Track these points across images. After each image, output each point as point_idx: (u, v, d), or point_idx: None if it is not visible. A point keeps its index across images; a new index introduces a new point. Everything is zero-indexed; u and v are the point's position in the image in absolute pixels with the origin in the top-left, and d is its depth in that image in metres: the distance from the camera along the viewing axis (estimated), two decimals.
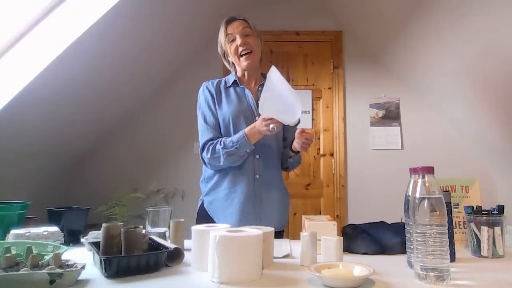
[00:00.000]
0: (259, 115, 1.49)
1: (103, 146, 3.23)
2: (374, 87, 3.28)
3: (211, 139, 1.49)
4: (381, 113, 3.25)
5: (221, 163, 1.46)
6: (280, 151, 1.61)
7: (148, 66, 2.90)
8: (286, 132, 1.62)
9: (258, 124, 1.39)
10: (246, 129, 1.44)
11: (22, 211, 1.35)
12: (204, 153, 1.49)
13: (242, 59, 1.53)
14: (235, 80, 1.59)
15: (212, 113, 1.54)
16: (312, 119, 3.31)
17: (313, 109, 3.32)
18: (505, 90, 2.20)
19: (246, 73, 1.60)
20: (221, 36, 1.56)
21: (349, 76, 3.34)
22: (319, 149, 3.30)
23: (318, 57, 3.38)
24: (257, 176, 1.50)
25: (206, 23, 3.06)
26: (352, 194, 3.21)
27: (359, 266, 0.90)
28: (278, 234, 1.47)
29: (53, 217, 1.37)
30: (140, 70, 2.85)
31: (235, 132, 1.48)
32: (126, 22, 2.26)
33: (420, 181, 0.90)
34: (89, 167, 3.18)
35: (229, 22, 1.55)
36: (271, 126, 1.34)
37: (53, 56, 1.94)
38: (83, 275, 0.87)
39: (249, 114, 1.52)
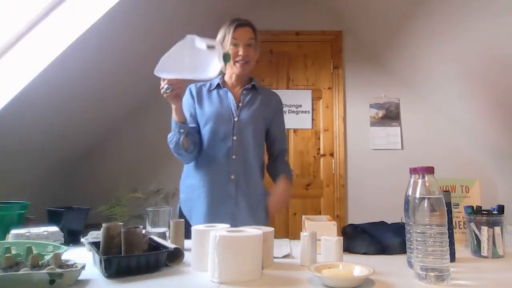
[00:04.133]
0: (238, 116, 1.54)
1: (103, 147, 3.22)
2: (374, 87, 3.28)
3: None
4: (381, 113, 3.25)
5: (176, 155, 1.51)
6: (261, 148, 1.62)
7: (147, 66, 2.90)
8: (269, 125, 1.64)
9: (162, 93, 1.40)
10: None
11: (22, 211, 1.35)
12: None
13: (237, 65, 1.55)
14: (218, 83, 1.61)
15: (188, 109, 1.57)
16: (312, 119, 3.31)
17: (313, 109, 3.32)
18: (505, 90, 2.20)
19: (234, 76, 1.62)
20: (226, 36, 1.55)
21: (349, 76, 3.34)
22: (319, 149, 3.30)
23: (318, 57, 3.38)
24: (232, 177, 1.51)
25: (206, 21, 3.06)
26: (352, 194, 3.21)
27: (359, 266, 0.90)
28: None
29: (53, 217, 1.37)
30: (140, 70, 2.85)
31: (215, 132, 1.52)
32: (126, 21, 2.26)
33: (420, 181, 0.90)
34: (89, 167, 3.18)
35: (238, 26, 1.55)
36: (165, 87, 1.31)
37: (53, 56, 1.94)
38: (83, 275, 0.87)
39: (227, 115, 1.55)
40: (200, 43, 1.25)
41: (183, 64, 1.25)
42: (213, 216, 1.45)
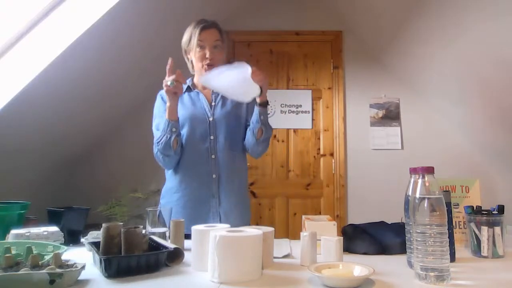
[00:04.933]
0: (212, 116, 1.54)
1: (103, 146, 3.23)
2: (374, 87, 3.28)
3: None
4: (381, 113, 3.25)
5: (159, 158, 1.50)
6: (240, 144, 1.60)
7: (147, 66, 2.90)
8: (246, 116, 1.61)
9: (162, 92, 1.42)
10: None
11: (22, 211, 1.35)
12: (155, 157, 1.52)
13: (204, 68, 1.53)
14: (188, 86, 1.60)
15: (162, 118, 1.54)
16: (312, 119, 3.31)
17: (313, 109, 3.32)
18: (505, 91, 2.20)
19: None
20: (191, 37, 1.54)
21: (349, 76, 3.34)
22: (319, 149, 3.30)
23: (318, 57, 3.38)
24: (214, 176, 1.51)
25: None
26: (352, 194, 3.21)
27: (359, 266, 0.90)
28: None
29: (53, 217, 1.37)
30: (140, 70, 2.85)
31: (192, 134, 1.52)
32: (126, 21, 2.26)
33: (420, 181, 0.90)
34: (89, 167, 3.18)
35: (204, 28, 1.53)
36: (169, 81, 1.34)
37: (53, 56, 1.94)
38: (83, 275, 0.87)
39: (202, 116, 1.55)
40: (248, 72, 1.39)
41: (229, 85, 1.41)
42: (196, 217, 1.43)
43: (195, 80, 1.64)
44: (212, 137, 1.53)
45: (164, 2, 2.46)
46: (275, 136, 3.29)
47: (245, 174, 1.65)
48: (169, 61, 1.38)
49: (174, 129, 1.44)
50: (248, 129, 1.57)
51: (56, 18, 1.88)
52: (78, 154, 3.06)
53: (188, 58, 1.61)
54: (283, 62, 3.39)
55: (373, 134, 3.23)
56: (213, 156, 1.52)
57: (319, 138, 3.30)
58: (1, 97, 1.90)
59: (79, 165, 3.14)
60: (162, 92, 1.58)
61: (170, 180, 1.58)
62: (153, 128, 1.58)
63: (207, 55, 1.51)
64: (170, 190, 1.56)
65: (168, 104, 1.42)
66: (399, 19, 2.59)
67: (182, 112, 1.53)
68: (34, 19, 1.84)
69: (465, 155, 3.07)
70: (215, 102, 1.59)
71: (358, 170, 3.22)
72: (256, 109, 1.50)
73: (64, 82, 2.18)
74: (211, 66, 1.51)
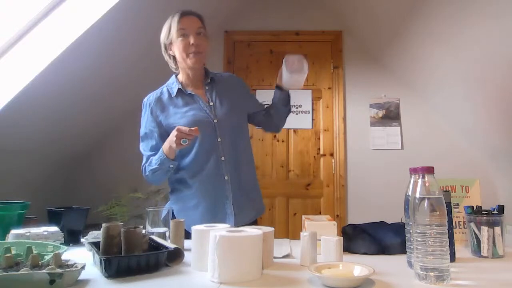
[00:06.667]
0: (215, 117, 1.46)
1: (103, 147, 3.23)
2: (374, 87, 3.28)
3: (147, 161, 1.50)
4: (381, 113, 3.25)
5: (151, 180, 1.50)
6: (247, 139, 1.58)
7: (147, 66, 2.90)
8: (246, 108, 1.60)
9: (170, 137, 1.34)
10: (163, 145, 1.40)
11: (22, 211, 1.35)
12: (143, 174, 1.52)
13: (190, 56, 1.44)
14: (179, 88, 1.50)
15: (152, 136, 1.50)
16: (312, 119, 3.31)
17: (313, 109, 3.32)
18: (504, 91, 2.20)
19: (190, 73, 1.51)
20: (171, 28, 1.45)
21: (349, 76, 3.34)
22: (319, 149, 3.30)
23: (318, 57, 3.38)
24: (226, 178, 1.47)
25: (206, 20, 3.06)
26: (352, 194, 3.21)
27: (359, 266, 0.90)
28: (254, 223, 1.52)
29: (53, 217, 1.37)
30: (139, 70, 2.85)
31: (200, 141, 1.44)
32: (125, 21, 2.26)
33: (420, 181, 0.90)
34: (89, 167, 3.18)
35: (184, 15, 1.45)
36: (184, 141, 1.30)
37: (53, 56, 1.94)
38: (83, 275, 0.87)
39: (206, 119, 1.46)
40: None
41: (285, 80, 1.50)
42: (214, 221, 1.42)
43: (183, 79, 1.53)
44: (219, 139, 1.47)
45: (163, 2, 2.46)
46: (275, 136, 3.29)
47: (253, 167, 1.60)
48: (195, 130, 1.29)
49: (171, 166, 1.42)
50: (263, 112, 1.62)
51: (56, 18, 1.88)
52: (78, 154, 3.06)
53: (169, 55, 1.51)
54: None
55: (373, 134, 3.23)
56: (222, 158, 1.47)
57: (319, 138, 3.30)
58: (1, 97, 1.90)
59: (79, 165, 3.13)
60: (148, 102, 1.53)
61: (181, 187, 1.51)
62: (141, 146, 1.53)
63: (192, 41, 1.42)
64: (184, 197, 1.50)
65: (172, 146, 1.34)
66: (399, 19, 2.59)
67: (183, 120, 1.44)
68: (34, 19, 1.84)
69: (465, 155, 3.06)
70: (213, 101, 1.50)
71: (358, 170, 3.22)
72: (277, 92, 1.54)
73: (64, 82, 2.18)
74: (198, 53, 1.44)
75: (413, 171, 0.95)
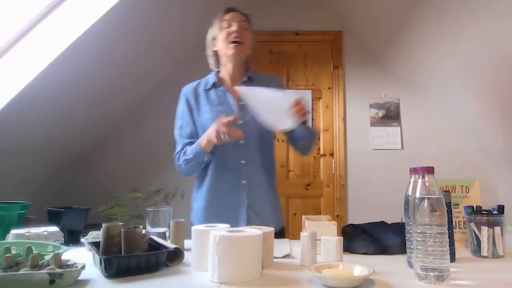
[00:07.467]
0: (242, 118, 1.42)
1: (103, 147, 3.22)
2: (374, 87, 3.28)
3: (182, 150, 1.49)
4: (381, 113, 3.25)
5: (183, 171, 1.47)
6: (271, 146, 1.57)
7: (147, 67, 2.90)
8: None
9: (210, 131, 1.33)
10: (202, 137, 1.39)
11: (22, 211, 1.35)
12: (175, 162, 1.50)
13: (231, 46, 1.43)
14: (214, 82, 1.51)
15: (188, 123, 1.50)
16: (312, 119, 3.31)
17: (313, 109, 3.32)
18: (505, 90, 2.20)
19: (231, 67, 1.50)
20: (217, 22, 1.49)
21: (349, 76, 3.34)
22: (319, 149, 3.30)
23: (318, 57, 3.38)
24: (244, 182, 1.44)
25: (205, 21, 3.06)
26: (352, 194, 3.21)
27: (359, 266, 0.90)
28: (277, 235, 1.46)
29: (53, 217, 1.37)
30: (140, 70, 2.85)
31: None
32: (126, 21, 2.26)
33: (420, 181, 0.90)
34: (89, 167, 3.17)
35: (229, 11, 1.49)
36: (224, 136, 1.28)
37: (53, 56, 1.94)
38: (83, 275, 0.87)
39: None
40: (290, 95, 1.34)
41: (266, 108, 1.33)
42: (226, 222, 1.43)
43: (223, 74, 1.54)
44: (242, 142, 1.42)
45: (164, 2, 2.46)
46: (275, 136, 3.28)
47: (273, 176, 1.56)
48: (232, 117, 1.29)
49: (206, 158, 1.41)
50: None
51: (56, 18, 1.88)
52: (78, 154, 3.05)
53: (212, 51, 1.53)
54: (283, 62, 3.38)
55: (373, 134, 3.23)
56: (243, 161, 1.44)
57: (319, 138, 3.30)
58: (1, 97, 1.90)
59: (79, 165, 3.13)
60: (187, 92, 1.53)
61: (202, 185, 1.50)
62: (176, 131, 1.53)
63: (234, 29, 1.43)
64: (200, 196, 1.49)
65: (212, 140, 1.33)
66: (399, 19, 2.59)
67: (210, 115, 1.44)
68: (34, 19, 1.84)
69: (465, 155, 3.07)
70: (244, 101, 1.44)
71: (358, 170, 3.22)
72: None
73: (64, 82, 2.18)
74: (239, 43, 1.43)
75: (413, 171, 0.95)
